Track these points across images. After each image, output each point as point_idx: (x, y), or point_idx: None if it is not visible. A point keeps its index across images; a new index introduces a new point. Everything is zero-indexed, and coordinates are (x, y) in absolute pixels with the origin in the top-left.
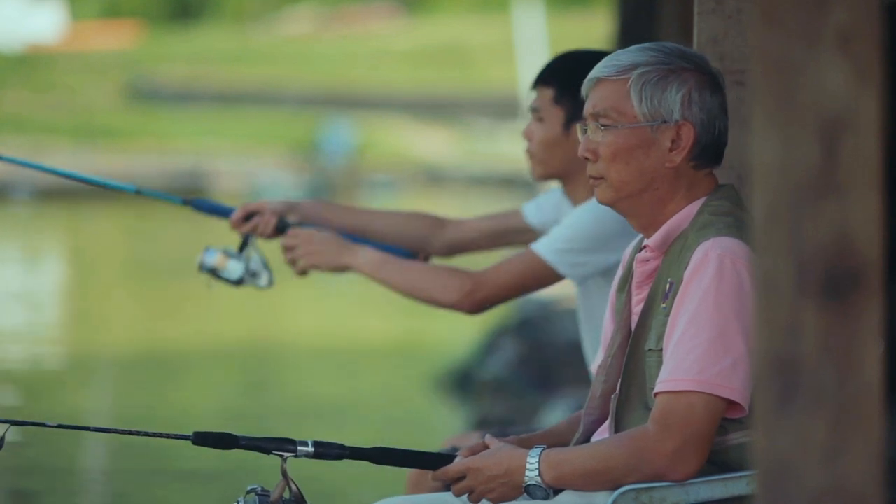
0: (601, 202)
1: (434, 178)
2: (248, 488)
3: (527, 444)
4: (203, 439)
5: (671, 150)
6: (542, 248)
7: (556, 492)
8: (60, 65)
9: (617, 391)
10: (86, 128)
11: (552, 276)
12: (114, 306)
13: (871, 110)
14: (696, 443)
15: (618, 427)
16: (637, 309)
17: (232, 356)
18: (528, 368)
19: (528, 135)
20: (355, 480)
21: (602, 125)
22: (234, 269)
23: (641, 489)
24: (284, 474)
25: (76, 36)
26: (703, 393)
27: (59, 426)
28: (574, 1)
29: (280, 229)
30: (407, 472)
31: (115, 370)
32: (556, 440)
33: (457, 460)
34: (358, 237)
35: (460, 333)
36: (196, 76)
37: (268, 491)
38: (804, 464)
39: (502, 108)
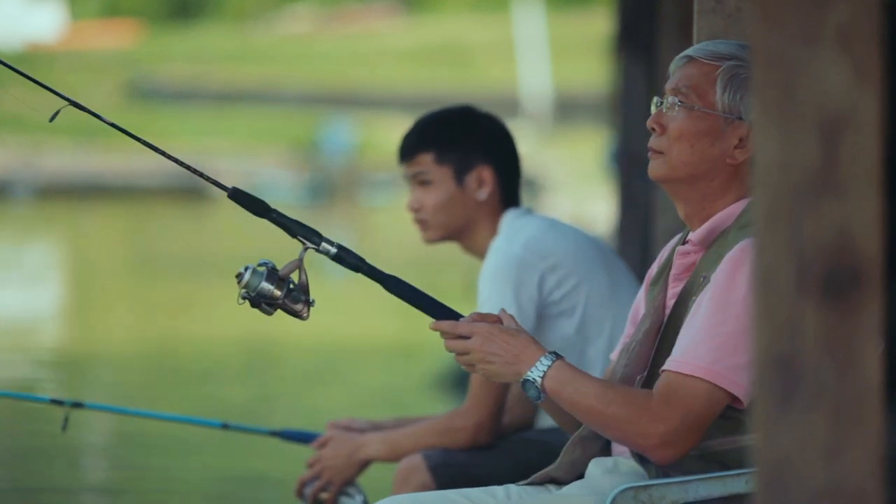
0: (650, 176)
1: None
2: (261, 262)
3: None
4: (237, 196)
5: (736, 147)
6: None
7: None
8: (60, 64)
9: (644, 375)
10: (86, 127)
11: None
12: (114, 305)
13: (871, 109)
14: (688, 429)
15: None
16: (671, 302)
17: (232, 355)
18: None
19: (414, 205)
20: None
21: (679, 102)
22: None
23: (640, 487)
24: (301, 261)
25: (76, 35)
26: (710, 383)
27: None
28: (574, 0)
29: None
30: (394, 470)
31: (115, 368)
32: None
33: (465, 319)
34: None
35: None
36: (196, 75)
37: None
38: (804, 462)
39: (502, 107)
